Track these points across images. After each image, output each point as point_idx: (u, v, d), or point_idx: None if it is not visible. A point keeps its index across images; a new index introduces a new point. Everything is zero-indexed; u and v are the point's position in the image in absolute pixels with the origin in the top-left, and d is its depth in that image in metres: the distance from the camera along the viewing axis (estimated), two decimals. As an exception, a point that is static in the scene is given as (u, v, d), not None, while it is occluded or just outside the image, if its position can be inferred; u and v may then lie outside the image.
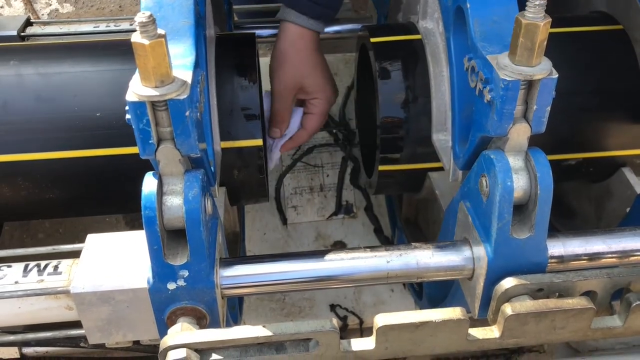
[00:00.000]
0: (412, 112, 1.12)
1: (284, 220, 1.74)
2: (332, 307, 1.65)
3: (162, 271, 0.78)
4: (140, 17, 0.67)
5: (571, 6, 1.34)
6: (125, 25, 1.57)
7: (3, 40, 1.47)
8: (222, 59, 1.10)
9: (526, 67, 0.74)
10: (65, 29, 1.56)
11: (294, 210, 1.77)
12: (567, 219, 1.41)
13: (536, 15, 0.71)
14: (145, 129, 0.72)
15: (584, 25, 1.19)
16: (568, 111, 1.13)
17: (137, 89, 0.70)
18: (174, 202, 0.77)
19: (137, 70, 0.71)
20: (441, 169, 1.11)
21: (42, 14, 2.02)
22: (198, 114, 0.76)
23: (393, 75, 1.13)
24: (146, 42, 0.67)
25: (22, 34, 1.51)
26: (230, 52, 1.12)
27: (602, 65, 1.14)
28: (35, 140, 1.04)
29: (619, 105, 1.14)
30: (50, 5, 2.02)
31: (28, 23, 1.56)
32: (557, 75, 0.75)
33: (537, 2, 0.70)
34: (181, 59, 0.79)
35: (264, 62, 1.87)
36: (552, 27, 1.21)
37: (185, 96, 0.71)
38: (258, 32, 1.64)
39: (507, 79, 0.74)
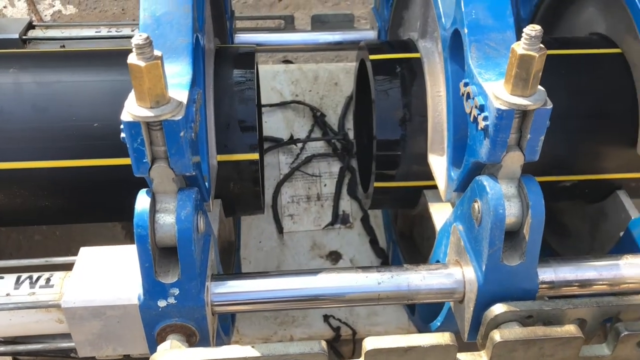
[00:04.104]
0: (409, 131, 1.12)
1: (280, 229, 1.75)
2: (326, 318, 1.65)
3: (152, 289, 0.78)
4: (137, 39, 0.67)
5: (571, 26, 1.34)
6: (126, 31, 1.58)
7: (5, 43, 1.48)
8: (220, 72, 1.10)
9: (521, 97, 0.74)
10: (67, 32, 1.57)
11: (290, 219, 1.77)
12: (562, 237, 1.41)
13: (532, 47, 0.71)
14: (139, 148, 0.73)
15: (583, 47, 1.19)
16: (564, 133, 1.13)
17: (132, 109, 0.71)
18: (167, 220, 0.77)
19: (132, 90, 0.71)
20: (436, 187, 1.12)
21: (45, 15, 2.03)
22: (193, 133, 0.76)
23: (390, 94, 1.13)
24: (142, 64, 0.67)
25: (24, 37, 1.52)
26: (229, 66, 1.13)
27: (599, 88, 1.14)
28: (32, 149, 1.04)
29: (615, 128, 1.14)
30: (54, 6, 2.03)
31: (30, 26, 1.56)
32: (551, 106, 0.75)
33: (532, 34, 0.70)
34: (178, 78, 0.79)
35: (263, 70, 1.88)
36: (551, 48, 1.22)
37: (180, 117, 0.71)
38: (259, 39, 1.65)
39: (502, 108, 0.74)
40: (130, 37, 1.55)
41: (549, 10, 1.40)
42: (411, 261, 1.48)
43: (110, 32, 1.56)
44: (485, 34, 0.86)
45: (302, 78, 1.91)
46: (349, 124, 1.85)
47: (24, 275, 0.84)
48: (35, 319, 0.81)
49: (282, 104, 1.87)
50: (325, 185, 1.81)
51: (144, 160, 0.74)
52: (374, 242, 1.74)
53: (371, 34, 1.61)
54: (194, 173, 0.78)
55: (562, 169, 1.17)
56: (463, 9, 0.87)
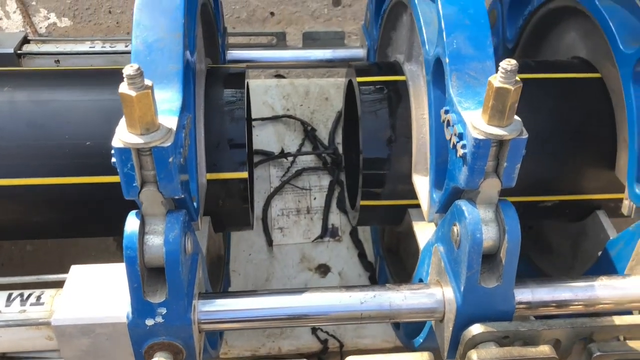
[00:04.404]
0: (394, 152, 1.15)
1: (270, 242, 1.77)
2: (314, 331, 1.68)
3: (141, 308, 0.80)
4: (129, 69, 0.70)
5: (554, 49, 1.38)
6: (120, 47, 1.60)
7: (1, 58, 1.50)
8: (211, 93, 1.13)
9: (497, 127, 0.77)
10: (61, 47, 1.59)
11: (280, 231, 1.80)
12: (544, 254, 1.45)
13: (508, 80, 0.74)
14: (129, 173, 0.75)
15: (565, 72, 1.23)
16: (546, 155, 1.17)
17: (123, 136, 0.73)
18: (155, 241, 0.79)
19: (123, 117, 0.74)
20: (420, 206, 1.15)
21: (40, 27, 2.05)
22: (182, 158, 0.79)
23: (377, 115, 1.16)
24: (133, 93, 0.70)
25: (19, 51, 1.54)
26: (219, 86, 1.15)
27: (580, 112, 1.18)
28: (26, 166, 1.06)
29: (595, 151, 1.18)
30: (49, 19, 2.05)
31: (25, 40, 1.59)
32: (526, 136, 0.78)
33: (508, 69, 0.73)
34: (168, 104, 0.82)
35: (254, 84, 1.91)
36: (534, 72, 1.26)
37: (169, 144, 0.74)
38: (251, 55, 1.68)
39: (479, 137, 0.77)
40: (123, 52, 1.59)
41: (533, 33, 1.44)
42: (397, 275, 1.51)
43: (104, 47, 1.59)
44: (466, 64, 0.89)
45: (294, 92, 1.94)
46: (339, 139, 1.87)
47: (15, 293, 0.86)
48: (26, 336, 0.84)
49: (274, 118, 1.90)
50: (315, 198, 1.84)
51: (134, 184, 0.76)
52: (362, 255, 1.76)
53: (361, 52, 1.64)
54: (182, 196, 0.80)
55: (544, 189, 1.21)
56: (445, 39, 0.90)
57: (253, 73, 1.94)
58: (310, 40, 1.75)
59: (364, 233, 1.80)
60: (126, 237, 0.77)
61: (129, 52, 1.59)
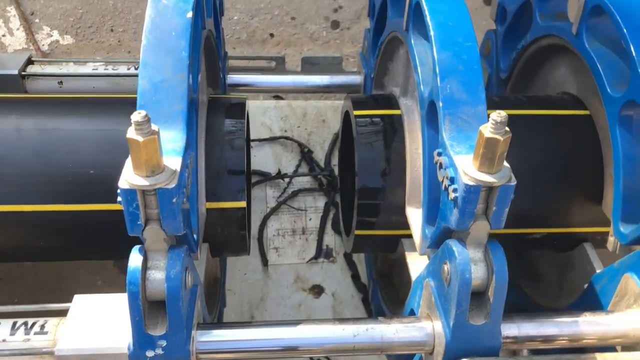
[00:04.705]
0: (388, 184, 1.19)
1: (265, 262, 1.80)
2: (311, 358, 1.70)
3: (142, 340, 0.83)
4: (136, 116, 0.73)
5: (545, 83, 1.42)
6: (122, 69, 1.64)
7: (5, 78, 1.53)
8: (212, 124, 1.17)
9: (487, 174, 0.81)
10: (64, 69, 1.63)
11: (275, 251, 1.83)
12: (533, 282, 1.48)
13: (498, 131, 0.78)
14: (134, 212, 0.78)
15: (555, 108, 1.27)
16: (536, 189, 1.21)
17: (129, 177, 0.77)
18: (157, 276, 0.83)
19: (130, 158, 0.77)
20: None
21: (43, 45, 2.08)
22: (185, 198, 0.82)
23: (372, 147, 1.20)
24: (140, 139, 0.73)
25: (23, 73, 1.58)
26: (220, 117, 1.19)
27: (569, 148, 1.22)
28: (31, 193, 1.09)
29: (583, 186, 1.22)
30: (52, 36, 2.08)
31: (29, 61, 1.62)
32: (515, 182, 0.82)
33: (498, 120, 0.77)
34: (172, 143, 0.85)
35: (253, 105, 1.95)
36: (525, 107, 1.30)
37: (173, 185, 0.77)
38: (251, 80, 1.71)
39: (470, 183, 0.81)
40: (125, 75, 1.62)
41: (526, 66, 1.48)
42: (390, 301, 1.54)
43: (107, 69, 1.62)
44: (459, 108, 0.93)
45: (291, 114, 1.98)
46: (335, 160, 1.91)
47: (20, 321, 0.89)
48: (30, 364, 0.86)
49: (271, 139, 1.93)
50: (310, 219, 1.87)
51: (138, 222, 0.79)
52: (355, 277, 1.80)
53: (358, 79, 1.68)
54: (184, 232, 0.83)
55: (533, 222, 1.24)
56: (439, 84, 0.94)
57: (252, 95, 1.97)
58: (309, 64, 1.79)
59: (358, 255, 1.83)
60: (130, 273, 0.80)
61: (130, 75, 1.63)
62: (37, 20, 2.07)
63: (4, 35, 2.06)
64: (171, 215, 0.79)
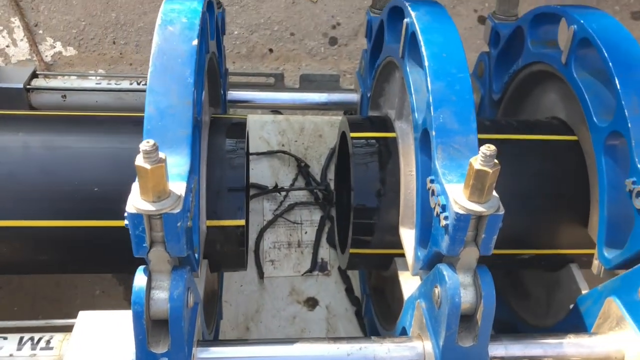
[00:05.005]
0: (383, 204, 1.23)
1: (261, 274, 1.84)
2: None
3: (144, 357, 0.87)
4: (145, 145, 0.77)
5: (535, 107, 1.47)
6: (125, 84, 1.68)
7: (10, 92, 1.57)
8: (214, 143, 1.20)
9: (477, 203, 0.85)
10: (68, 83, 1.67)
11: (271, 264, 1.87)
12: (522, 299, 1.53)
13: (487, 164, 0.82)
14: (140, 235, 0.82)
15: (544, 133, 1.32)
16: (525, 212, 1.25)
17: (136, 202, 0.80)
18: (161, 296, 0.86)
19: (137, 184, 0.81)
20: (406, 256, 1.22)
21: (46, 56, 2.11)
22: (189, 221, 0.86)
23: (367, 168, 1.24)
24: (148, 166, 0.77)
25: (28, 86, 1.61)
26: (221, 137, 1.23)
27: (557, 173, 1.26)
28: (37, 209, 1.13)
29: (570, 210, 1.26)
30: (55, 47, 2.12)
31: (34, 75, 1.66)
32: (503, 212, 0.86)
33: (488, 153, 0.81)
34: (177, 168, 0.89)
35: (252, 119, 1.99)
36: (516, 132, 1.34)
37: (178, 210, 0.81)
38: (250, 97, 1.76)
39: (460, 212, 0.85)
40: (128, 90, 1.66)
41: (517, 89, 1.53)
42: (382, 315, 1.58)
43: (110, 84, 1.66)
44: (451, 137, 0.97)
45: (289, 129, 2.02)
46: (331, 175, 1.95)
47: (26, 337, 0.93)
48: (35, 378, 0.90)
49: (269, 153, 1.97)
50: (306, 232, 1.91)
51: (144, 245, 0.83)
52: (349, 290, 1.83)
53: (355, 97, 1.73)
54: (187, 254, 0.87)
55: (522, 243, 1.29)
56: (432, 113, 0.98)
57: (251, 110, 2.01)
58: (307, 82, 1.84)
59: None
60: (135, 293, 0.84)
61: (133, 90, 1.67)
62: (40, 32, 2.11)
63: (7, 46, 2.10)
64: (175, 238, 0.83)
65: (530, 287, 1.50)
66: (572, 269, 1.31)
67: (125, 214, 0.81)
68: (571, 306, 1.25)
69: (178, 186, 0.85)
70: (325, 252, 1.89)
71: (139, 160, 0.78)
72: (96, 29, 2.15)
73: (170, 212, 0.81)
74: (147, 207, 0.80)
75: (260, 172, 1.96)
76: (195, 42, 1.01)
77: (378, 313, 1.57)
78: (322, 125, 2.03)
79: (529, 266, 1.38)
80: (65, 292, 1.80)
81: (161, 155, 0.79)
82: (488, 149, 0.82)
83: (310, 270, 1.86)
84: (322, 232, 1.90)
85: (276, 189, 1.93)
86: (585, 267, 1.31)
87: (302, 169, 1.96)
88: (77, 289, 1.80)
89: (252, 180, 1.91)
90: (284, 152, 1.97)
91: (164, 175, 0.79)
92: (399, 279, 1.24)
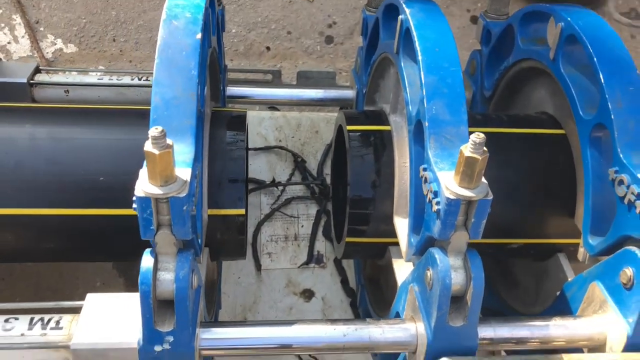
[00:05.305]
0: (378, 195, 1.28)
1: (258, 266, 1.88)
2: (300, 357, 1.78)
3: (151, 335, 0.91)
4: (153, 131, 0.81)
5: (525, 103, 1.52)
6: (126, 79, 1.72)
7: (14, 86, 1.61)
8: (215, 135, 1.25)
9: (467, 189, 0.90)
10: (71, 78, 1.70)
11: (268, 257, 1.91)
12: (511, 288, 1.58)
13: (476, 151, 0.87)
14: (148, 218, 0.86)
15: (533, 127, 1.37)
16: (514, 203, 1.30)
17: (144, 186, 0.85)
18: (166, 277, 0.91)
19: (145, 168, 0.85)
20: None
21: (47, 53, 2.15)
22: (194, 206, 0.90)
23: (363, 160, 1.29)
24: (156, 152, 0.81)
25: (32, 81, 1.65)
26: (222, 129, 1.27)
27: (545, 166, 1.31)
28: (43, 198, 1.17)
29: (557, 201, 1.31)
30: (55, 44, 2.15)
31: (37, 70, 1.69)
32: (491, 197, 0.91)
33: (477, 141, 0.86)
34: (182, 155, 0.94)
35: (250, 115, 2.03)
36: (505, 126, 1.39)
37: (184, 194, 0.85)
38: (248, 92, 1.80)
39: (451, 197, 0.90)
40: (130, 85, 1.70)
41: (508, 86, 1.58)
42: (376, 304, 1.63)
43: (112, 79, 1.70)
44: (443, 128, 1.02)
45: (286, 125, 2.06)
46: (327, 170, 2.00)
47: (37, 317, 0.96)
48: (46, 357, 0.94)
49: (266, 148, 2.02)
50: (302, 226, 1.95)
51: (151, 228, 0.87)
52: (344, 282, 1.88)
53: (350, 94, 1.77)
54: (192, 237, 0.91)
55: (511, 232, 1.34)
56: (425, 105, 1.03)
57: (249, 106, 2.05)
58: (304, 78, 1.88)
59: (348, 261, 1.91)
60: (142, 274, 0.88)
61: (134, 85, 1.71)
62: (41, 29, 2.14)
63: (9, 43, 2.13)
64: (181, 221, 0.87)
65: (519, 276, 1.55)
66: (559, 258, 1.36)
67: (134, 198, 0.85)
68: (558, 293, 1.30)
69: (184, 172, 0.89)
70: (321, 245, 1.93)
71: (148, 146, 0.82)
72: (96, 26, 2.19)
73: (177, 195, 0.85)
74: (155, 191, 0.84)
75: (258, 167, 2.00)
76: (199, 36, 1.05)
77: (372, 302, 1.62)
78: (318, 121, 2.08)
79: (518, 255, 1.43)
80: (67, 284, 1.84)
81: (169, 141, 0.83)
82: (478, 137, 0.86)
83: (307, 263, 1.90)
84: (318, 225, 1.94)
85: (273, 183, 1.97)
86: (572, 256, 1.36)
87: (299, 164, 2.01)
88: (78, 280, 1.84)
89: (250, 175, 1.95)
90: (281, 148, 2.02)
91: (171, 161, 0.84)
92: (393, 267, 1.28)
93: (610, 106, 1.08)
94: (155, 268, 0.90)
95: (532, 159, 1.33)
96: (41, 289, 1.79)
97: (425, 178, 0.99)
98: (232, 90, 1.76)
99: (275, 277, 1.88)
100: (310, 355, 1.77)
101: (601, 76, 1.11)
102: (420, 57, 1.09)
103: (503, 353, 1.21)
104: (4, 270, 1.81)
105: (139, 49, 2.20)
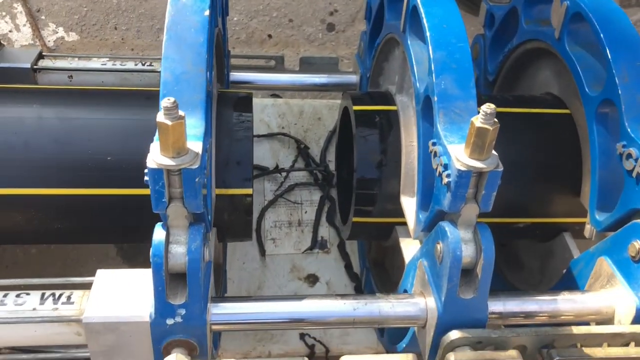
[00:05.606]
0: (384, 174, 1.28)
1: (263, 252, 1.88)
2: (302, 336, 1.79)
3: (163, 308, 0.91)
4: (166, 102, 0.81)
5: (530, 84, 1.52)
6: (130, 65, 1.71)
7: (18, 71, 1.60)
8: (221, 115, 1.25)
9: (477, 160, 0.90)
10: (74, 63, 1.70)
11: (272, 242, 1.91)
12: (515, 270, 1.59)
13: (487, 121, 0.87)
14: (160, 190, 0.86)
15: (538, 107, 1.37)
16: (520, 182, 1.31)
17: (157, 158, 0.85)
18: (178, 250, 0.91)
19: (157, 140, 0.85)
20: (407, 224, 1.27)
21: (49, 41, 2.14)
22: (205, 179, 0.90)
23: (370, 140, 1.29)
24: (169, 122, 0.82)
25: (35, 66, 1.64)
26: (230, 109, 1.27)
27: (550, 145, 1.32)
28: (51, 177, 1.17)
29: (563, 180, 1.32)
30: (57, 33, 2.15)
31: (40, 56, 1.69)
32: (502, 169, 0.91)
33: (488, 111, 0.87)
34: (193, 129, 0.94)
35: (254, 102, 2.03)
36: (511, 106, 1.40)
37: (196, 166, 0.86)
38: (252, 78, 1.80)
39: (462, 169, 0.90)
40: (133, 70, 1.70)
41: (512, 68, 1.59)
42: (382, 286, 1.63)
43: (115, 65, 1.69)
44: (452, 102, 1.02)
45: (289, 112, 2.06)
46: (330, 156, 2.00)
47: (48, 293, 0.97)
48: (57, 331, 0.94)
49: (269, 135, 2.02)
50: (306, 212, 1.95)
51: (163, 200, 0.87)
52: (348, 267, 1.88)
53: (354, 79, 1.78)
54: (203, 211, 0.92)
55: (517, 212, 1.34)
56: (434, 80, 1.04)
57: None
58: (307, 64, 1.88)
59: (351, 246, 1.92)
60: (154, 246, 0.88)
61: (137, 71, 1.71)
62: (43, 17, 2.14)
63: (10, 31, 2.12)
64: (193, 193, 0.88)
65: (524, 258, 1.56)
66: (565, 238, 1.37)
67: (146, 171, 0.86)
68: (564, 270, 1.31)
69: (195, 145, 0.89)
70: (324, 230, 1.93)
71: (160, 117, 0.82)
72: (98, 14, 2.18)
73: (189, 167, 0.85)
74: (167, 162, 0.84)
75: (261, 154, 2.00)
76: (207, 12, 1.05)
77: (378, 283, 1.62)
78: (321, 108, 2.08)
79: (523, 236, 1.43)
80: (71, 272, 1.84)
81: (180, 112, 0.83)
82: (489, 107, 0.87)
83: (311, 248, 1.90)
84: (322, 211, 1.94)
85: (277, 170, 1.97)
86: (578, 236, 1.37)
87: (302, 150, 2.01)
88: (83, 267, 1.84)
89: (253, 161, 1.95)
90: (284, 135, 2.02)
91: (183, 132, 0.84)
92: (400, 246, 1.29)
93: (617, 81, 1.09)
94: (167, 241, 0.90)
95: (537, 138, 1.33)
96: (45, 276, 1.79)
97: (435, 152, 0.99)
98: (235, 75, 1.76)
99: (280, 263, 1.88)
100: (315, 339, 1.78)
101: (608, 51, 1.11)
102: (428, 34, 1.09)
103: (502, 327, 1.21)
104: (7, 259, 1.81)
105: (140, 37, 2.19)
